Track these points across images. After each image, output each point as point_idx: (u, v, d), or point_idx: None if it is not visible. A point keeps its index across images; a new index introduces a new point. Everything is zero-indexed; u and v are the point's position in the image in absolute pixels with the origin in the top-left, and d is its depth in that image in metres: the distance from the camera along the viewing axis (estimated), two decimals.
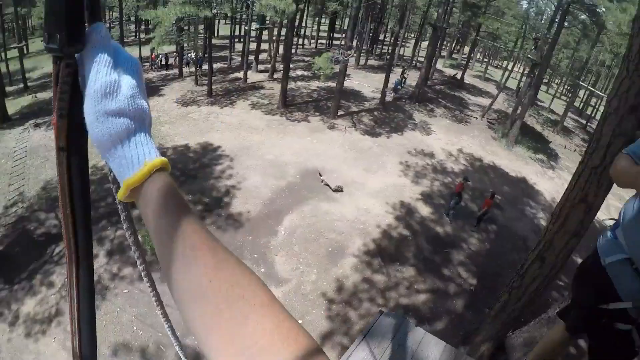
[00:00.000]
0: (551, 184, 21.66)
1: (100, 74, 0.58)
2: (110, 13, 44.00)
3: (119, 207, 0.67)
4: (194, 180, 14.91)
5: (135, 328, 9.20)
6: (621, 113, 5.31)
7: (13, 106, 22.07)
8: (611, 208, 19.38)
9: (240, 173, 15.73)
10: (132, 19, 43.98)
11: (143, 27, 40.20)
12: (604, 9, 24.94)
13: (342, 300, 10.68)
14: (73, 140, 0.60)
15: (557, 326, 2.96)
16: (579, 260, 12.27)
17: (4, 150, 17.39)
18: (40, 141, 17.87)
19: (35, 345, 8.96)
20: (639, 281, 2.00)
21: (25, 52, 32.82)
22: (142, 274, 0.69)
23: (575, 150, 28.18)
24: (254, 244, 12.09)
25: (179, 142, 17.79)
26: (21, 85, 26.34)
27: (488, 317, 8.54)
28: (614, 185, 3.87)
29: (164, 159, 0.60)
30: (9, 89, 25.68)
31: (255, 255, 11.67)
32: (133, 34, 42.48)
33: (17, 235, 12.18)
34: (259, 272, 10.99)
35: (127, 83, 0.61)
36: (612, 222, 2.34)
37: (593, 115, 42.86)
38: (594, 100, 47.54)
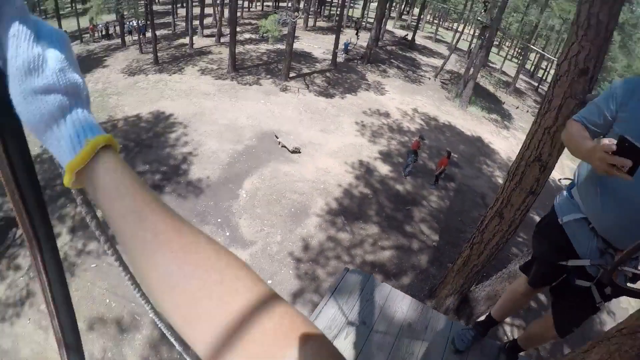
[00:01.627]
0: (506, 143, 22.29)
1: (20, 49, 0.51)
2: None
3: (73, 192, 0.61)
4: (149, 150, 14.54)
5: (108, 300, 9.14)
6: (572, 76, 5.40)
7: None
8: (565, 168, 20.37)
9: (196, 139, 15.47)
10: None
11: None
12: None
13: (309, 258, 10.77)
14: (4, 122, 0.56)
15: (519, 279, 3.04)
16: (536, 218, 12.93)
17: None
18: None
19: (11, 329, 8.84)
20: (596, 240, 2.05)
21: None
22: (109, 251, 0.63)
23: (528, 111, 29.05)
24: (217, 209, 12.00)
25: (129, 113, 17.22)
26: None
27: (451, 271, 8.69)
28: None
29: (108, 135, 0.54)
30: None
31: (219, 220, 11.59)
32: (69, 5, 39.91)
33: None
34: (224, 236, 11.01)
35: (53, 56, 0.53)
36: (568, 182, 2.42)
37: (544, 77, 44.27)
38: (544, 63, 48.80)
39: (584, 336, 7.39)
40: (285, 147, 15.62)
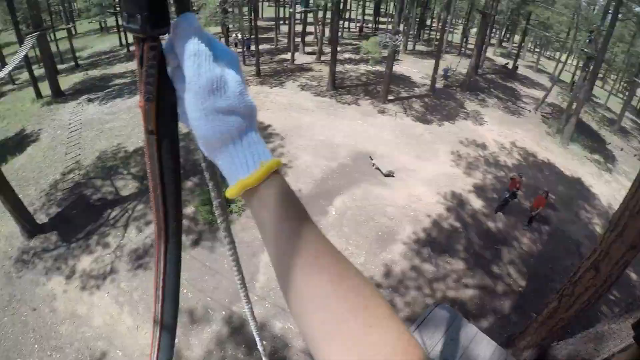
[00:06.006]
0: (608, 188, 20.33)
1: (202, 68, 0.53)
2: None
3: (212, 195, 0.69)
4: None
5: (185, 291, 9.54)
6: None
7: (65, 82, 23.43)
8: None
9: (292, 152, 15.73)
10: None
11: None
12: None
13: (389, 285, 10.46)
14: (162, 123, 0.56)
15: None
16: (633, 276, 11.65)
17: (59, 122, 18.38)
18: (94, 115, 18.90)
19: (89, 298, 9.61)
20: None
21: (73, 33, 35.27)
22: (229, 252, 0.75)
23: (635, 156, 26.35)
24: None
25: None
26: (72, 64, 28.26)
27: (535, 322, 8.24)
28: None
29: (278, 159, 0.57)
30: (60, 66, 27.42)
31: None
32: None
33: (74, 199, 12.96)
34: None
35: (233, 78, 0.56)
36: None
37: None
38: None
39: None
40: (379, 169, 15.37)
